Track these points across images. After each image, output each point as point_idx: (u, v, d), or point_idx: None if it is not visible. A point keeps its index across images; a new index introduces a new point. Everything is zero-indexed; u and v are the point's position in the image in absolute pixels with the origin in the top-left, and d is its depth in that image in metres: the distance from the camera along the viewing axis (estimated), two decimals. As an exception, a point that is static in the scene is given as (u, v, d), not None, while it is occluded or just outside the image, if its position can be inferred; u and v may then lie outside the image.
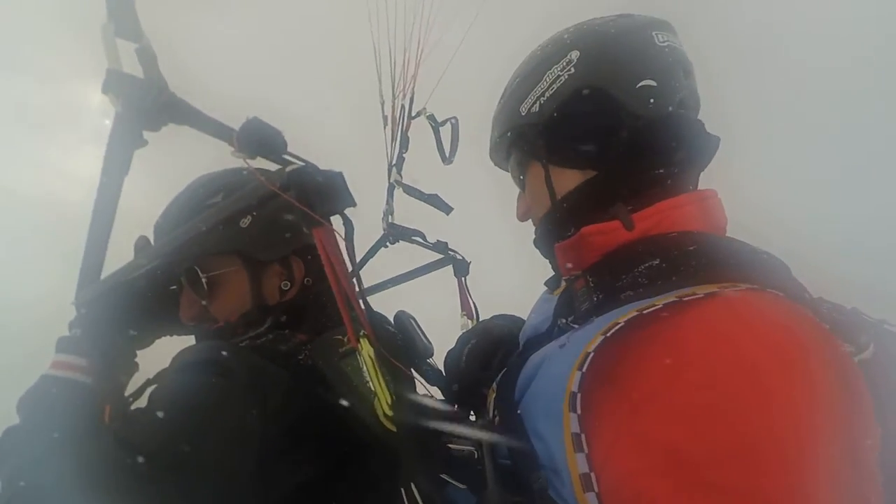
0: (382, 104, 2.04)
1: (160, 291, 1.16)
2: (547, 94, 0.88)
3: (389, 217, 1.88)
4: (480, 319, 1.63)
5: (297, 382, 1.04)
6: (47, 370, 0.95)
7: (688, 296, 0.63)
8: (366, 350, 0.88)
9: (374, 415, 0.93)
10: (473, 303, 1.67)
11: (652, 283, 0.72)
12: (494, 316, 1.39)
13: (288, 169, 0.86)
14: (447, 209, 1.84)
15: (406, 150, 1.96)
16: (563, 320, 0.87)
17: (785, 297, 0.67)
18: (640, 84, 0.84)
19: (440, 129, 1.92)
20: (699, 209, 0.85)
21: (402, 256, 1.79)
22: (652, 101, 0.84)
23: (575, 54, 0.87)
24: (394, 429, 0.90)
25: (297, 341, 1.14)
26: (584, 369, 0.64)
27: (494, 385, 0.93)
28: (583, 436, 0.63)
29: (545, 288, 1.12)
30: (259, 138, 0.86)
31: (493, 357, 1.12)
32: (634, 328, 0.63)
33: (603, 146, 0.86)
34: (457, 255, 1.75)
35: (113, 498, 0.80)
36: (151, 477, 0.84)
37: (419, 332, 1.48)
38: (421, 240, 1.79)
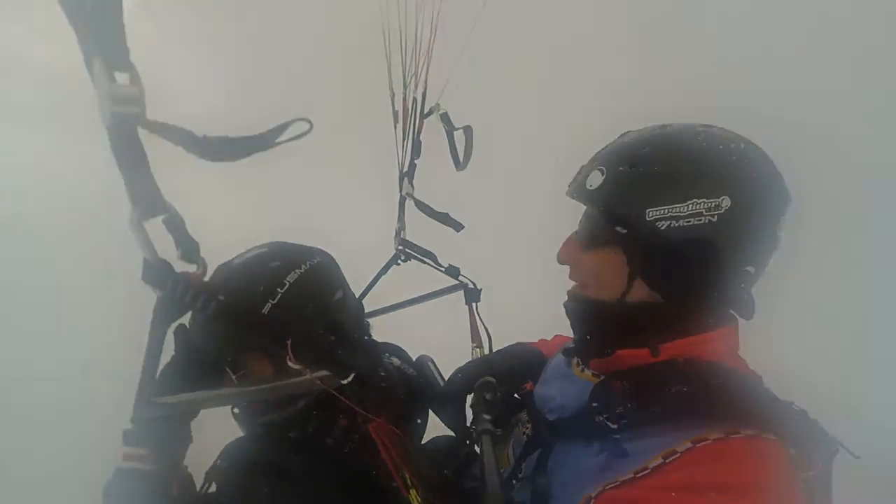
0: (392, 97, 1.87)
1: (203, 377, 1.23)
2: (680, 223, 0.89)
3: (402, 233, 1.86)
4: (493, 347, 1.74)
5: (347, 476, 1.19)
6: (119, 463, 1.08)
7: (701, 440, 0.81)
8: (415, 500, 1.00)
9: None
10: (486, 329, 1.75)
11: (681, 407, 0.87)
12: (497, 352, 1.49)
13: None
14: (458, 227, 1.83)
15: (418, 157, 1.86)
16: (600, 417, 0.97)
17: (776, 441, 0.83)
18: (746, 267, 0.92)
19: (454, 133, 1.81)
20: (722, 344, 0.98)
21: (412, 279, 1.82)
22: (743, 285, 0.93)
23: (726, 203, 0.88)
24: None
25: (339, 428, 1.26)
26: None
27: (516, 439, 1.14)
28: None
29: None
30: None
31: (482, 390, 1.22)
32: (659, 472, 0.81)
33: (687, 294, 0.94)
34: (468, 283, 1.78)
35: None
36: None
37: (437, 374, 1.60)
38: (432, 262, 1.81)
